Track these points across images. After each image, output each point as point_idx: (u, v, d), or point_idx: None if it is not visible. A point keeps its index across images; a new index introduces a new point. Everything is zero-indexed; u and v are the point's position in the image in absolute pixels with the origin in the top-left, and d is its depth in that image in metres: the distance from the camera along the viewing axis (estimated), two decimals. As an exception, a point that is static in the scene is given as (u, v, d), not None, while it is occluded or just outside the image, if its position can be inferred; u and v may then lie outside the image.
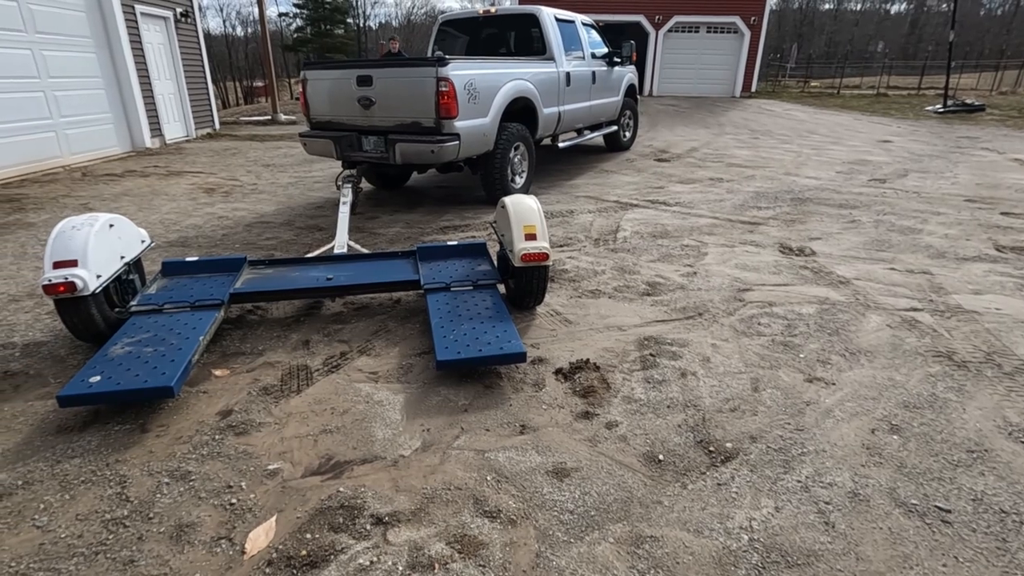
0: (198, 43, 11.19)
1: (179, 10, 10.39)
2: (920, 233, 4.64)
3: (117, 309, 2.78)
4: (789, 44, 35.23)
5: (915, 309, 3.21)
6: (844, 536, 1.68)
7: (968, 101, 15.55)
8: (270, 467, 1.97)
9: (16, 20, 6.96)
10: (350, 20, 38.93)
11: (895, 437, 2.12)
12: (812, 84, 26.88)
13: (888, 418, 2.23)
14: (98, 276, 2.57)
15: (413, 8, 54.13)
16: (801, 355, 2.71)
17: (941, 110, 14.90)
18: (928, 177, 6.94)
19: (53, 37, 7.52)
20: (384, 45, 7.23)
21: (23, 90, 7.04)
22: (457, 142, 4.76)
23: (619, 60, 7.63)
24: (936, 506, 1.79)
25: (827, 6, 52.89)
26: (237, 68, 38.56)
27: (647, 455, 2.03)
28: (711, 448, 2.06)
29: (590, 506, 1.79)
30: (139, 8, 9.15)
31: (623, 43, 7.73)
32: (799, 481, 1.90)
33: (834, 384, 2.47)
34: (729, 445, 2.07)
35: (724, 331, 2.96)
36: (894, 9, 54.76)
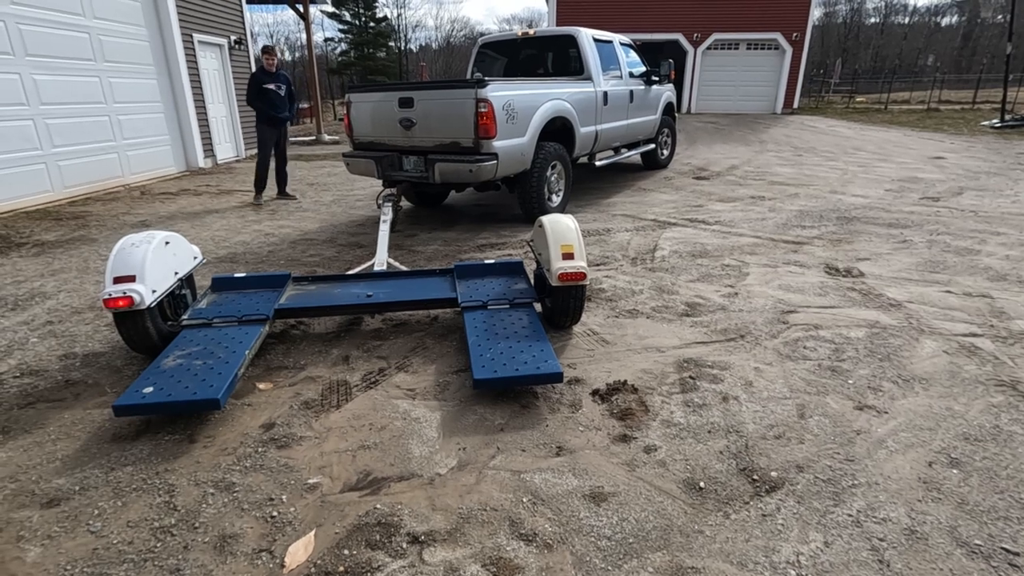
0: (250, 68, 11.75)
1: (233, 38, 10.96)
2: (978, 254, 4.42)
3: (170, 322, 2.91)
4: (833, 59, 34.46)
5: (974, 335, 3.04)
6: (900, 576, 1.58)
7: (1028, 115, 14.82)
8: (310, 481, 2.00)
9: (87, 50, 7.48)
10: (392, 44, 40.24)
11: (955, 471, 2.00)
12: (858, 100, 26.15)
13: (947, 450, 2.11)
14: (153, 291, 2.70)
15: (453, 31, 55.51)
16: (850, 381, 2.60)
17: (998, 125, 14.23)
18: (986, 195, 6.61)
19: (119, 65, 8.05)
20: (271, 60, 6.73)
21: (92, 115, 7.54)
22: (495, 161, 4.82)
23: (657, 79, 7.62)
24: (1003, 548, 1.67)
25: (873, 20, 51.63)
26: (285, 91, 40.15)
27: (687, 482, 1.97)
28: (755, 476, 1.99)
29: (628, 533, 1.75)
30: (197, 37, 9.71)
31: (661, 62, 7.75)
32: (850, 515, 1.81)
33: (887, 412, 2.35)
34: (774, 474, 2.00)
35: (767, 354, 2.87)
36: (945, 22, 52.93)
